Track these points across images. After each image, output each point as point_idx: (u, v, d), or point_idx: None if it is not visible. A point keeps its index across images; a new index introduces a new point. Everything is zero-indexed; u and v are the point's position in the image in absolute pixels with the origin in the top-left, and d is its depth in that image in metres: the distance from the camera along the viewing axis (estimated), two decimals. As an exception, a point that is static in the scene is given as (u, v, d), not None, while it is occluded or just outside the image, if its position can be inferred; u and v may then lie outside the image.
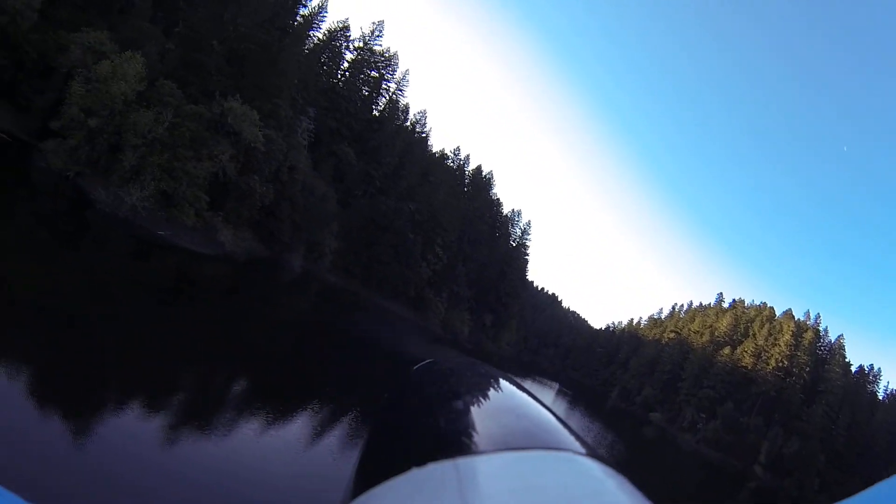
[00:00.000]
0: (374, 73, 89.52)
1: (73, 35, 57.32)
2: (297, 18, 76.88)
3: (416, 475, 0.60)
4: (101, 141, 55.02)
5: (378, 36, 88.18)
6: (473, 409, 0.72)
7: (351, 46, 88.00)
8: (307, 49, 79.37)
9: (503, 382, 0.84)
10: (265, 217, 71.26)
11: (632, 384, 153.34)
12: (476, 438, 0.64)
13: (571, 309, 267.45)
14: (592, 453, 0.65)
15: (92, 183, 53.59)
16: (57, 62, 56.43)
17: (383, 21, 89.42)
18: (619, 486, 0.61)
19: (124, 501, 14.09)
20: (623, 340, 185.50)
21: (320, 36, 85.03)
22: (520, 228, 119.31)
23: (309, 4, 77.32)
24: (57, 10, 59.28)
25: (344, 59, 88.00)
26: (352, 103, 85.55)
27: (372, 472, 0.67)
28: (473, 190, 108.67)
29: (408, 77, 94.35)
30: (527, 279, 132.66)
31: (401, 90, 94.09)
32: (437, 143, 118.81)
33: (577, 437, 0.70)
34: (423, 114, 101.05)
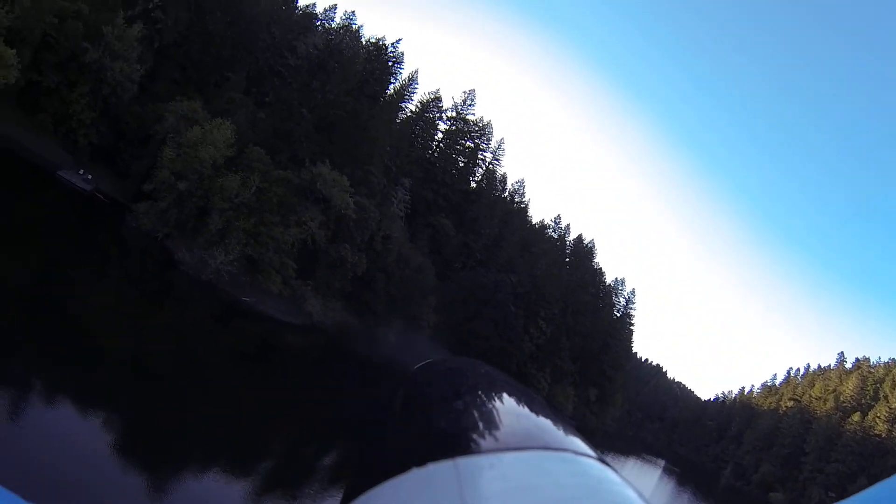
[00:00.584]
0: (469, 143, 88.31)
1: (168, 104, 58.50)
2: (388, 89, 75.93)
3: (416, 475, 0.60)
4: (189, 204, 55.18)
5: (470, 105, 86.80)
6: (473, 409, 0.71)
7: (444, 116, 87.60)
8: (400, 120, 78.23)
9: (503, 382, 0.83)
10: (358, 288, 67.32)
11: (747, 460, 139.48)
12: (476, 438, 0.64)
13: (677, 380, 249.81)
14: (592, 453, 0.65)
15: (178, 245, 53.91)
16: (153, 130, 57.56)
17: (474, 90, 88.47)
18: (619, 486, 0.61)
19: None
20: (734, 412, 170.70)
21: (412, 108, 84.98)
22: (624, 297, 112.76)
23: (399, 75, 75.71)
24: (156, 84, 60.42)
25: (437, 129, 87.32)
26: (448, 174, 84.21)
27: (372, 472, 0.67)
28: (575, 259, 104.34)
29: (503, 146, 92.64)
30: (631, 350, 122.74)
31: (497, 159, 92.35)
32: (536, 212, 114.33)
33: (577, 437, 0.70)
34: (521, 183, 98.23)
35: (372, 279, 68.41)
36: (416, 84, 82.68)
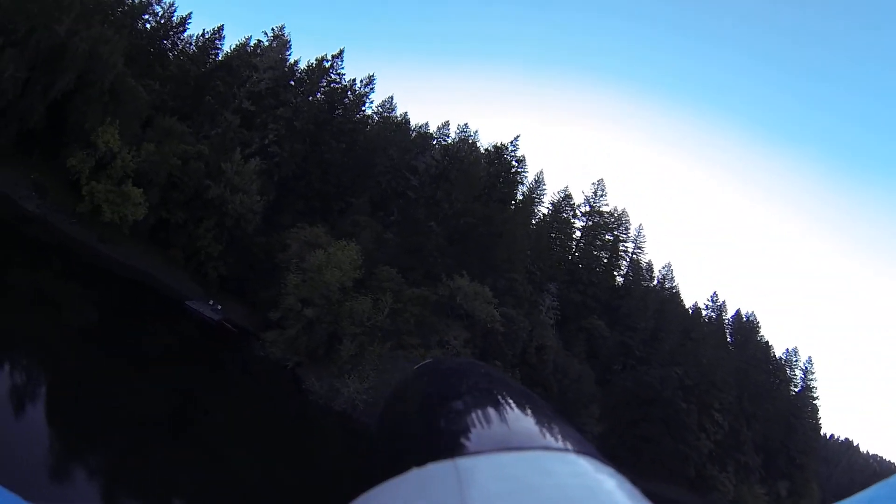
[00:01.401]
0: (608, 236, 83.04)
1: (292, 231, 57.22)
2: (516, 192, 72.97)
3: (416, 475, 0.60)
4: (318, 330, 52.14)
5: (602, 196, 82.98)
6: (473, 409, 0.71)
7: (577, 213, 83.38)
8: (535, 223, 75.37)
9: (503, 382, 0.84)
10: None
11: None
12: (476, 438, 0.64)
13: (872, 452, 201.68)
14: (592, 453, 0.65)
15: (309, 372, 51.29)
16: (278, 259, 55.92)
17: (602, 180, 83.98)
18: (618, 486, 0.61)
19: None
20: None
21: (544, 211, 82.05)
22: (800, 369, 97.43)
23: (524, 175, 72.65)
24: (280, 216, 60.04)
25: (574, 227, 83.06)
26: (592, 272, 78.72)
27: (372, 472, 0.67)
28: (740, 338, 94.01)
29: (643, 232, 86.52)
30: (819, 429, 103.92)
31: (639, 248, 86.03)
32: (688, 293, 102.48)
33: (577, 437, 0.70)
34: (669, 268, 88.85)
35: (529, 394, 59.51)
36: (544, 185, 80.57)
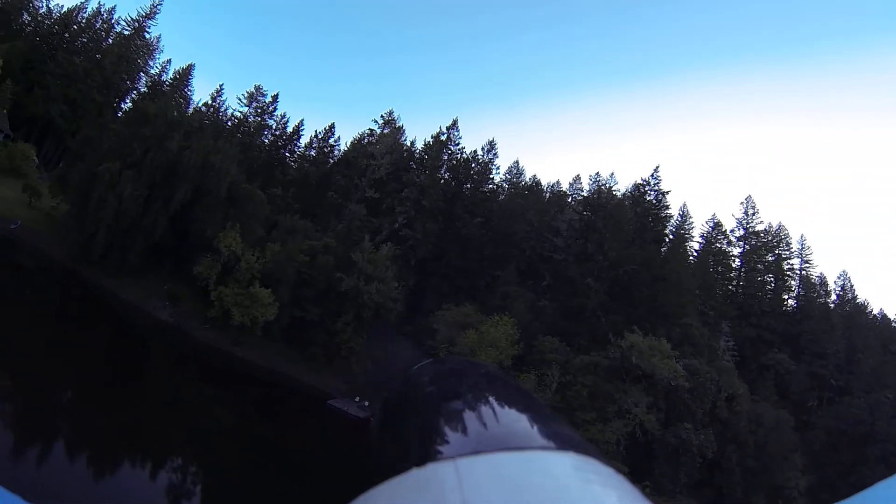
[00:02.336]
0: (769, 258, 74.20)
1: (438, 314, 52.95)
2: (666, 229, 66.28)
3: (416, 475, 0.60)
4: None
5: (753, 214, 74.67)
6: (474, 409, 0.71)
7: (731, 239, 75.39)
8: (692, 260, 68.78)
9: (503, 382, 0.83)
10: (707, 472, 50.74)
11: None
12: (476, 438, 0.64)
13: None
14: (592, 453, 0.65)
15: None
16: (427, 346, 51.90)
17: (750, 196, 75.74)
18: (618, 485, 0.61)
19: None
20: None
21: (695, 246, 74.70)
22: None
23: (666, 209, 65.78)
24: (424, 300, 56.80)
25: (730, 256, 74.83)
26: (762, 300, 69.78)
27: (372, 472, 0.67)
28: None
29: (807, 244, 76.82)
30: None
31: (807, 262, 76.21)
32: (873, 300, 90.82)
33: (577, 438, 0.69)
34: (845, 276, 78.79)
35: (721, 456, 51.90)
36: (690, 217, 73.42)
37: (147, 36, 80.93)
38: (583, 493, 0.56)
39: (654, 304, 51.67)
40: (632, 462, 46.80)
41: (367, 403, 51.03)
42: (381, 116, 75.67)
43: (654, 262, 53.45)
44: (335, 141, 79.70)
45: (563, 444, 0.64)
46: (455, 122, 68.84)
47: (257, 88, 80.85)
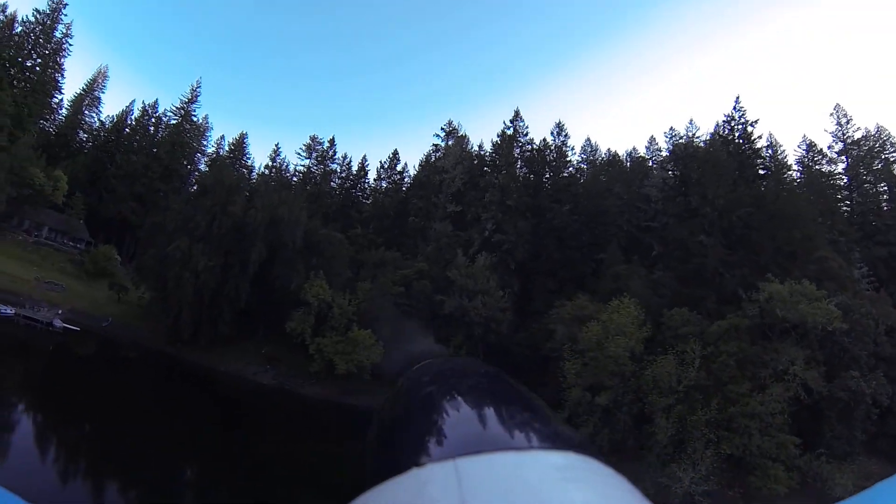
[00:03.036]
0: (877, 165, 66.55)
1: (551, 314, 48.65)
2: (766, 165, 61.64)
3: (416, 475, 0.60)
4: (619, 417, 41.75)
5: (847, 122, 68.09)
6: (473, 409, 0.72)
7: (830, 157, 68.97)
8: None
9: (503, 382, 0.84)
10: (879, 422, 45.03)
11: None
12: (476, 438, 0.64)
13: None
14: (592, 453, 0.65)
15: (625, 470, 38.56)
16: (547, 350, 47.76)
17: (839, 104, 68.78)
18: (618, 485, 0.61)
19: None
20: None
21: (794, 175, 69.12)
22: None
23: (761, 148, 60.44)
24: (532, 303, 53.51)
25: (835, 176, 68.27)
26: (882, 214, 62.63)
27: (372, 472, 0.67)
28: None
29: None
30: None
31: None
32: None
33: (577, 437, 0.70)
34: None
35: (893, 400, 45.85)
36: (780, 146, 69.22)
37: (195, 119, 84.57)
38: (582, 493, 0.56)
39: (777, 244, 46.68)
40: (799, 430, 41.45)
41: None
42: (442, 129, 74.93)
43: (766, 199, 48.43)
44: (402, 167, 79.79)
45: (563, 444, 0.64)
46: (518, 114, 66.19)
47: (313, 139, 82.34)
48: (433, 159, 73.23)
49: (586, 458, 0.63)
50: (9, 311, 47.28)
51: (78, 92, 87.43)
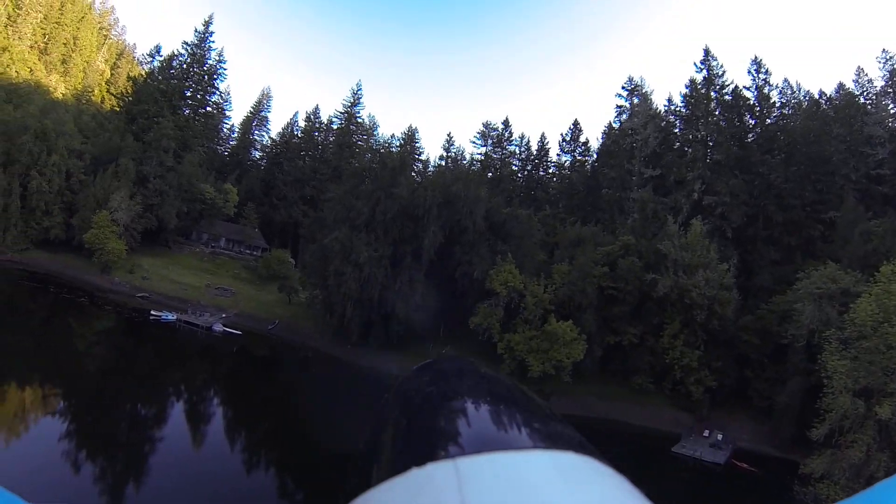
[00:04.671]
0: None
1: (791, 290, 39.91)
2: None
3: (416, 475, 0.59)
4: None
5: None
6: (473, 409, 0.72)
7: None
8: None
9: (503, 382, 0.83)
10: None
11: None
12: (476, 438, 0.64)
13: None
14: (592, 453, 0.65)
15: None
16: (787, 337, 38.78)
17: None
18: (618, 485, 0.61)
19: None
20: None
21: None
22: None
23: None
24: (755, 278, 46.00)
25: None
26: None
27: (372, 472, 0.67)
28: None
29: None
30: None
31: None
32: None
33: (577, 437, 0.69)
34: None
35: None
36: None
37: (359, 119, 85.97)
38: (583, 493, 0.57)
39: None
40: None
41: (720, 436, 38.89)
42: (624, 87, 65.96)
43: None
44: (584, 138, 74.55)
45: (563, 444, 0.65)
46: (708, 52, 55.73)
47: (486, 124, 79.28)
48: (619, 123, 65.45)
49: (586, 458, 0.63)
50: (170, 317, 49.12)
51: (246, 114, 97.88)
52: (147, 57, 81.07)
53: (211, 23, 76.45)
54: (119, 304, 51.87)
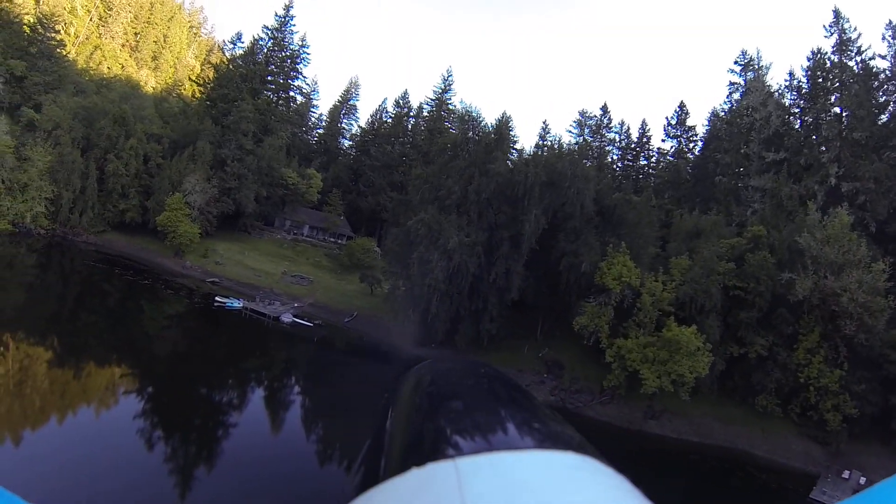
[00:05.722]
0: None
1: None
2: None
3: (416, 475, 0.60)
4: None
5: None
6: (473, 409, 0.73)
7: None
8: None
9: (503, 382, 0.85)
10: None
11: None
12: (476, 438, 0.64)
13: None
14: (592, 453, 0.65)
15: None
16: None
17: None
18: (618, 486, 0.61)
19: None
20: None
21: None
22: None
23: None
24: None
25: None
26: None
27: (372, 472, 0.67)
28: None
29: None
30: None
31: None
32: None
33: (578, 438, 0.70)
34: None
35: None
36: None
37: (451, 106, 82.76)
38: (583, 494, 0.56)
39: None
40: None
41: (863, 480, 31.24)
42: (736, 62, 59.41)
43: None
44: (690, 120, 70.34)
45: (563, 444, 0.64)
46: (838, 14, 47.41)
47: (582, 112, 75.66)
48: (729, 105, 59.58)
49: (586, 458, 0.62)
50: (236, 304, 46.31)
51: (334, 103, 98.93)
52: (229, 44, 79.53)
53: (291, 6, 74.00)
54: (187, 288, 50.08)
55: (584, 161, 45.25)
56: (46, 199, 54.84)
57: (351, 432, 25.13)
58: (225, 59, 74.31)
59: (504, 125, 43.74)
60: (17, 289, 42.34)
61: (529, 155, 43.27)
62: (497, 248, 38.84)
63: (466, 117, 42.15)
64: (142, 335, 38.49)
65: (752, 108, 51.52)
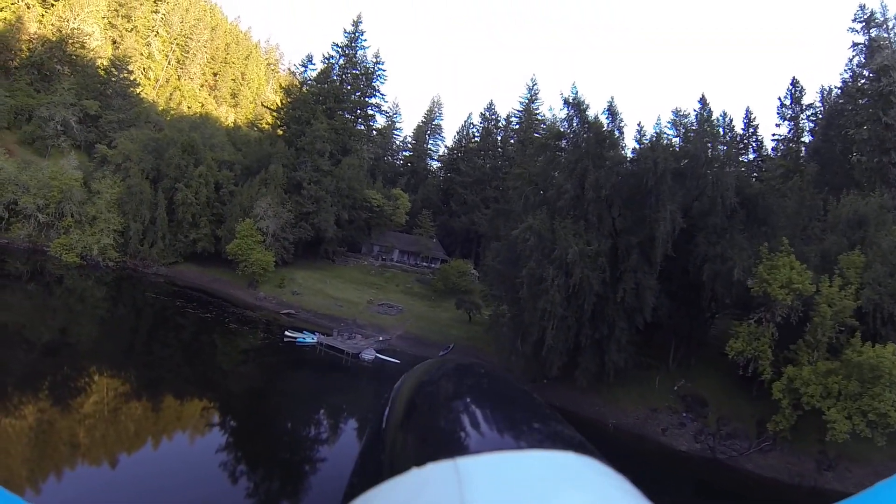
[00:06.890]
0: None
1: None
2: None
3: (416, 475, 0.60)
4: None
5: None
6: (473, 409, 0.73)
7: None
8: None
9: (503, 382, 0.85)
10: None
11: None
12: (476, 438, 0.64)
13: None
14: (592, 453, 0.65)
15: None
16: None
17: None
18: (618, 486, 0.61)
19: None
20: None
21: None
22: None
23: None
24: None
25: None
26: None
27: (372, 472, 0.67)
28: None
29: None
30: None
31: None
32: None
33: (578, 437, 0.70)
34: None
35: None
36: None
37: (539, 116, 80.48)
38: (583, 493, 0.56)
39: None
40: None
41: None
42: (855, 19, 50.75)
43: None
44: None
45: (563, 444, 0.63)
46: None
47: (675, 112, 68.09)
48: (850, 73, 51.30)
49: (586, 458, 0.62)
50: (309, 340, 41.17)
51: (418, 124, 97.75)
52: (300, 67, 77.96)
53: (360, 22, 71.63)
54: (257, 321, 46.18)
55: (708, 143, 38.04)
56: (115, 231, 53.29)
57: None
58: (297, 82, 72.16)
59: (614, 111, 37.32)
60: (90, 322, 40.95)
61: (647, 144, 36.76)
62: (624, 258, 31.81)
63: (572, 100, 35.61)
64: (217, 370, 36.06)
65: (889, 68, 43.22)
